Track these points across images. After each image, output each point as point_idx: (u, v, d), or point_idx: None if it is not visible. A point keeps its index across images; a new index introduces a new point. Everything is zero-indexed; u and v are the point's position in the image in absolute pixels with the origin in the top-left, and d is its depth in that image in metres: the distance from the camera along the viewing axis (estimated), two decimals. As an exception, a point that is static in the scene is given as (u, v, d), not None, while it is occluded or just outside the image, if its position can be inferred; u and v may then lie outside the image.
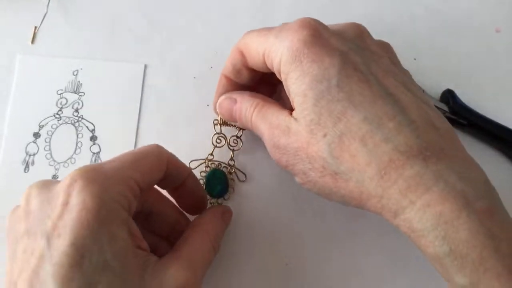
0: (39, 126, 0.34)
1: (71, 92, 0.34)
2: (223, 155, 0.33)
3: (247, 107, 0.28)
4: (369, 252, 0.33)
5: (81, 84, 0.35)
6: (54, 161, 0.33)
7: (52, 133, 0.33)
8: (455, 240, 0.20)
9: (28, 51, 0.35)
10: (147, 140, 0.34)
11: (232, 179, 0.32)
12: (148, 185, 0.24)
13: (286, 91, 0.26)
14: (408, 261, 0.32)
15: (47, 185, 0.22)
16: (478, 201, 0.21)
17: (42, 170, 0.32)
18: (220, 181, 0.32)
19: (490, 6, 0.39)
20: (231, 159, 0.33)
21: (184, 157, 0.33)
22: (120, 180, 0.22)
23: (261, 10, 0.37)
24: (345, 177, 0.23)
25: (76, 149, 0.33)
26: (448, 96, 0.35)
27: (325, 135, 0.23)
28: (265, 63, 0.27)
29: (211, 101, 0.35)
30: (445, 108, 0.35)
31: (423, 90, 0.28)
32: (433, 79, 0.36)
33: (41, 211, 0.21)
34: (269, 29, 0.27)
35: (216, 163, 0.32)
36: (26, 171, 0.33)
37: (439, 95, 0.36)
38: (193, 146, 0.34)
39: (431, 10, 0.38)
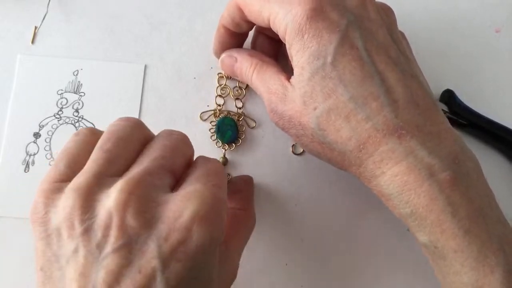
0: (39, 126, 0.34)
1: (71, 92, 0.34)
2: (233, 107, 0.35)
3: (247, 66, 0.30)
4: (369, 252, 0.33)
5: (81, 84, 0.35)
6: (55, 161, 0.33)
7: (53, 133, 0.33)
8: (416, 204, 0.24)
9: (28, 51, 0.35)
10: (147, 140, 0.34)
11: (242, 125, 0.34)
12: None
13: (289, 57, 0.27)
14: (407, 262, 0.32)
15: (149, 199, 0.21)
16: (443, 172, 0.24)
17: (42, 170, 0.32)
18: (230, 127, 0.34)
19: (490, 6, 0.39)
20: (240, 107, 0.35)
21: (184, 157, 0.33)
22: (225, 209, 0.23)
23: (261, 10, 0.37)
24: (330, 147, 0.26)
25: (76, 149, 0.33)
26: (448, 96, 0.35)
27: (315, 108, 0.25)
28: (269, 25, 0.28)
29: (211, 101, 0.35)
30: (445, 108, 0.35)
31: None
32: (433, 79, 0.36)
33: (146, 230, 0.20)
34: None
35: (225, 112, 0.34)
36: (26, 171, 0.33)
37: (439, 95, 0.36)
38: (194, 146, 0.34)
39: (431, 10, 0.38)
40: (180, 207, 0.20)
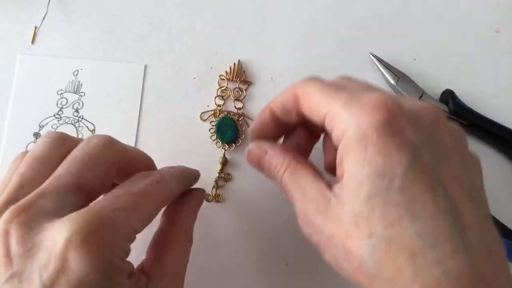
0: (40, 126, 0.34)
1: (71, 92, 0.34)
2: (233, 108, 0.35)
3: (278, 164, 0.26)
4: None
5: (81, 84, 0.35)
6: (54, 161, 0.33)
7: (52, 133, 0.33)
8: None
9: (28, 51, 0.35)
10: (147, 140, 0.34)
11: (242, 125, 0.34)
12: (143, 227, 0.23)
13: (338, 161, 0.23)
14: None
15: (30, 226, 0.20)
16: None
17: (42, 170, 0.32)
18: (230, 127, 0.34)
19: (489, 6, 0.39)
20: (240, 108, 0.35)
21: (184, 158, 0.33)
22: (123, 235, 0.21)
23: (261, 10, 0.37)
24: (383, 283, 0.21)
25: (76, 149, 0.33)
26: (448, 96, 0.35)
27: (371, 235, 0.21)
28: (323, 122, 0.24)
29: (211, 101, 0.35)
30: (445, 108, 0.35)
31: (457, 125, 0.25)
32: (433, 79, 0.36)
33: (29, 259, 0.19)
34: (336, 89, 0.24)
35: (225, 112, 0.34)
36: (26, 171, 0.33)
37: (439, 95, 0.36)
38: (194, 146, 0.34)
39: (431, 11, 0.38)
40: (57, 233, 0.19)
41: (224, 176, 0.33)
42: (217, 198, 0.33)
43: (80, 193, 0.22)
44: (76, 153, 0.23)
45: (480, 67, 0.37)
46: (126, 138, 0.33)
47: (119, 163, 0.24)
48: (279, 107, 0.27)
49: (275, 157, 0.26)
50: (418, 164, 0.21)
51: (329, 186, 0.23)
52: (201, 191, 0.30)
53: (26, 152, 0.25)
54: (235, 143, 0.34)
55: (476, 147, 0.35)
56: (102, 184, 0.23)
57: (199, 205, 0.29)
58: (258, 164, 0.28)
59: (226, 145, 0.34)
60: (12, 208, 0.20)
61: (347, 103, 0.23)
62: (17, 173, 0.23)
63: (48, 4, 0.36)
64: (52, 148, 0.24)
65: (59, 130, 0.34)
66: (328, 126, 0.24)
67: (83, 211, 0.20)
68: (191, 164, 0.33)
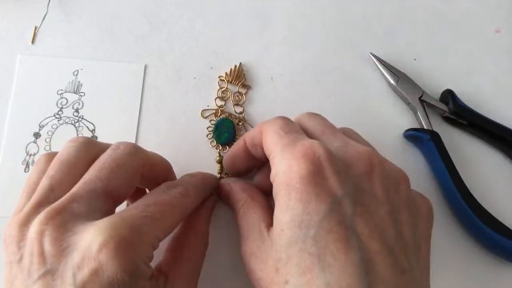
0: (40, 126, 0.34)
1: (71, 92, 0.34)
2: (233, 110, 0.35)
3: (236, 201, 0.28)
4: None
5: (81, 84, 0.35)
6: (54, 161, 0.33)
7: (53, 133, 0.33)
8: None
9: (28, 51, 0.35)
10: (147, 140, 0.34)
11: (240, 129, 0.34)
12: (165, 236, 0.24)
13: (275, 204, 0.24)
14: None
15: (66, 228, 0.21)
16: None
17: (42, 170, 0.33)
18: (228, 129, 0.34)
19: (490, 6, 0.39)
20: (240, 112, 0.35)
21: (184, 158, 0.33)
22: (149, 242, 0.22)
23: (261, 10, 0.37)
24: None
25: (76, 149, 0.33)
26: (448, 96, 0.35)
27: (286, 282, 0.22)
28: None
29: (211, 101, 0.35)
30: (445, 108, 0.35)
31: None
32: (433, 79, 0.36)
33: (63, 258, 0.20)
34: (286, 133, 0.25)
35: (227, 113, 0.34)
36: (26, 171, 0.33)
37: (439, 95, 0.36)
38: (194, 146, 0.34)
39: (431, 10, 0.38)
40: (92, 236, 0.20)
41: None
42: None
43: (108, 198, 0.23)
44: (104, 159, 0.24)
45: (480, 67, 0.37)
46: (126, 138, 0.33)
47: (143, 170, 0.26)
48: (249, 139, 0.28)
49: (235, 195, 0.28)
50: (335, 215, 0.21)
51: (269, 226, 0.24)
52: (214, 198, 0.31)
53: (50, 153, 0.26)
54: (229, 146, 0.34)
55: (476, 147, 0.35)
56: (127, 190, 0.25)
57: (212, 210, 0.31)
58: (226, 200, 0.30)
59: (220, 146, 0.34)
60: (47, 210, 0.21)
61: (284, 148, 0.23)
62: (46, 176, 0.24)
63: (48, 4, 0.36)
64: (79, 153, 0.25)
65: (59, 130, 0.34)
66: (271, 169, 0.25)
67: (115, 216, 0.21)
68: (191, 164, 0.33)
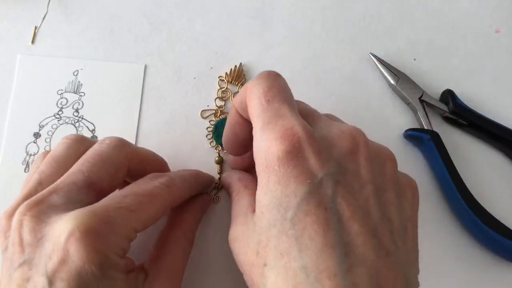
0: (40, 126, 0.34)
1: (71, 92, 0.34)
2: None
3: (232, 191, 0.28)
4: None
5: (81, 84, 0.35)
6: (54, 161, 0.33)
7: (53, 133, 0.33)
8: None
9: (28, 51, 0.35)
10: (147, 140, 0.34)
11: None
12: (145, 227, 0.24)
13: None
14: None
15: (41, 218, 0.22)
16: None
17: (42, 170, 0.33)
18: None
19: (490, 6, 0.39)
20: None
21: (184, 158, 0.33)
22: (123, 234, 0.22)
23: (261, 10, 0.37)
24: None
25: (76, 149, 0.33)
26: (448, 96, 0.35)
27: (265, 265, 0.21)
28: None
29: (211, 101, 0.35)
30: (445, 108, 0.35)
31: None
32: (433, 79, 0.36)
33: (38, 248, 0.21)
34: (268, 102, 0.23)
35: (226, 113, 0.34)
36: (26, 171, 0.32)
37: (439, 95, 0.36)
38: (193, 146, 0.34)
39: (431, 10, 0.38)
40: (62, 226, 0.21)
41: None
42: (215, 200, 0.32)
43: (90, 190, 0.24)
44: (88, 153, 0.25)
45: (480, 67, 0.37)
46: (126, 138, 0.33)
47: (129, 163, 0.26)
48: (238, 105, 0.26)
49: (233, 185, 0.29)
50: (315, 196, 0.20)
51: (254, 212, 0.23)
52: (207, 197, 0.31)
53: (46, 151, 0.27)
54: None
55: (476, 147, 0.35)
56: (111, 182, 0.25)
57: (203, 211, 0.30)
58: (228, 192, 0.30)
59: (220, 146, 0.34)
60: (27, 202, 0.22)
61: (265, 125, 0.22)
62: (37, 171, 0.25)
63: (48, 4, 0.36)
64: (69, 149, 0.26)
65: (59, 130, 0.34)
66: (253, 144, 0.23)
67: (87, 208, 0.22)
68: (191, 164, 0.33)
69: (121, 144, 0.26)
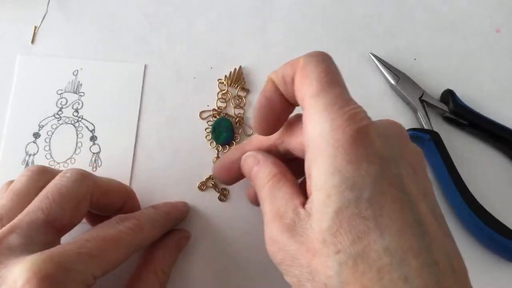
0: (39, 126, 0.33)
1: (71, 92, 0.34)
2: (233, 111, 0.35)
3: (264, 176, 0.25)
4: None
5: (81, 84, 0.35)
6: (54, 161, 0.33)
7: (52, 133, 0.33)
8: None
9: (28, 51, 0.35)
10: (147, 140, 0.33)
11: (239, 128, 0.34)
12: (106, 273, 0.23)
13: (307, 173, 0.22)
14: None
15: None
16: None
17: (42, 170, 0.32)
18: (226, 129, 0.34)
19: (490, 6, 0.39)
20: (240, 114, 0.35)
21: (184, 159, 0.33)
22: (81, 280, 0.21)
23: (261, 10, 0.37)
24: None
25: (76, 149, 0.33)
26: (448, 96, 0.35)
27: (338, 252, 0.20)
28: (298, 104, 0.23)
29: (211, 101, 0.35)
30: (445, 108, 0.35)
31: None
32: (433, 79, 0.36)
33: None
34: (329, 84, 0.23)
35: (224, 114, 0.34)
36: (26, 171, 0.32)
37: (439, 95, 0.36)
38: (193, 146, 0.34)
39: (431, 10, 0.38)
40: (19, 271, 0.20)
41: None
42: (221, 198, 0.32)
43: (50, 229, 0.23)
44: (48, 188, 0.24)
45: (480, 67, 0.37)
46: (126, 138, 0.33)
47: (92, 196, 0.25)
48: (279, 78, 0.25)
49: (264, 168, 0.26)
50: (387, 176, 0.21)
51: (304, 203, 0.22)
52: (184, 233, 0.30)
53: (9, 181, 0.27)
54: (229, 145, 0.34)
55: (476, 147, 0.35)
56: (72, 219, 0.24)
57: (179, 247, 0.30)
58: (248, 174, 0.27)
59: (220, 146, 0.33)
60: None
61: (330, 107, 0.22)
62: None
63: (48, 4, 0.36)
64: (30, 182, 0.25)
65: (58, 130, 0.34)
66: (303, 121, 0.23)
67: (46, 252, 0.21)
68: (191, 163, 0.33)
69: (81, 178, 0.25)
